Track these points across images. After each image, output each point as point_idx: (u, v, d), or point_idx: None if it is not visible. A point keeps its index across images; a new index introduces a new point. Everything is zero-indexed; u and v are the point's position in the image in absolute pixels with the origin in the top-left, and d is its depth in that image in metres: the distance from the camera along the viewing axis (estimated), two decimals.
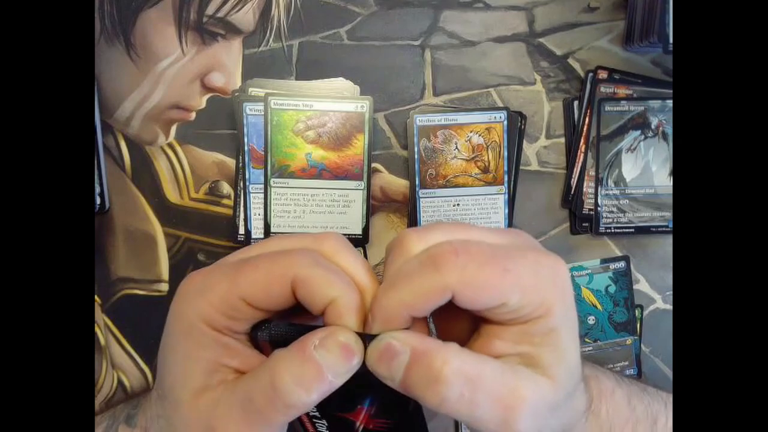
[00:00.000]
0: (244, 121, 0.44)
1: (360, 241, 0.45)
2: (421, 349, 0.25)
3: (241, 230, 0.45)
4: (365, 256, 0.46)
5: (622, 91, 0.46)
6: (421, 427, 0.28)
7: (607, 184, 0.46)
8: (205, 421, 0.26)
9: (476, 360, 0.25)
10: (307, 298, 0.26)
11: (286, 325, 0.27)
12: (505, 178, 0.45)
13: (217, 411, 0.26)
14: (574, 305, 0.28)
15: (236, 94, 0.45)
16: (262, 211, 0.45)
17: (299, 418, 0.28)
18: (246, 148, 0.44)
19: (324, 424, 0.29)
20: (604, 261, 0.47)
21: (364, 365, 0.26)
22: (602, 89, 0.46)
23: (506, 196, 0.45)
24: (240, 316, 0.27)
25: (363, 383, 0.26)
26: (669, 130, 0.46)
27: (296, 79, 0.46)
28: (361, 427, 0.28)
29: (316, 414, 0.29)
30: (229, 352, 0.27)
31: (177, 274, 0.45)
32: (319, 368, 0.24)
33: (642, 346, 0.48)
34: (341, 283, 0.26)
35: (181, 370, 0.27)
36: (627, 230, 0.46)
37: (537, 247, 0.28)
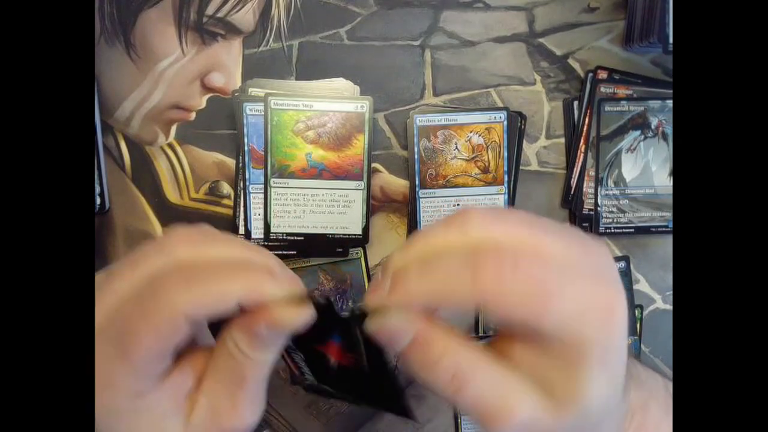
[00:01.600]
0: (244, 121, 0.44)
1: (360, 241, 0.45)
2: (424, 335, 0.25)
3: (241, 230, 0.45)
4: (365, 256, 0.46)
5: (622, 91, 0.46)
6: (387, 373, 0.28)
7: (607, 184, 0.46)
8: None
9: (475, 358, 0.25)
10: (218, 314, 0.25)
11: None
12: (505, 178, 0.45)
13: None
14: (624, 347, 0.25)
15: (236, 94, 0.45)
16: (262, 211, 0.45)
17: (281, 354, 0.28)
18: (246, 148, 0.44)
19: (301, 356, 0.29)
20: None
21: (325, 310, 0.26)
22: (602, 89, 0.46)
23: (506, 196, 0.45)
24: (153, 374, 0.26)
25: (327, 321, 0.26)
26: (669, 130, 0.46)
27: (296, 79, 0.46)
28: (336, 364, 0.28)
29: (293, 347, 0.29)
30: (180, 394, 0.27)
31: None
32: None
33: (642, 346, 0.48)
34: (232, 278, 0.24)
35: None
36: (627, 230, 0.46)
37: (603, 268, 0.25)
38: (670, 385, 0.32)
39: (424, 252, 0.25)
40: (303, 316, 0.25)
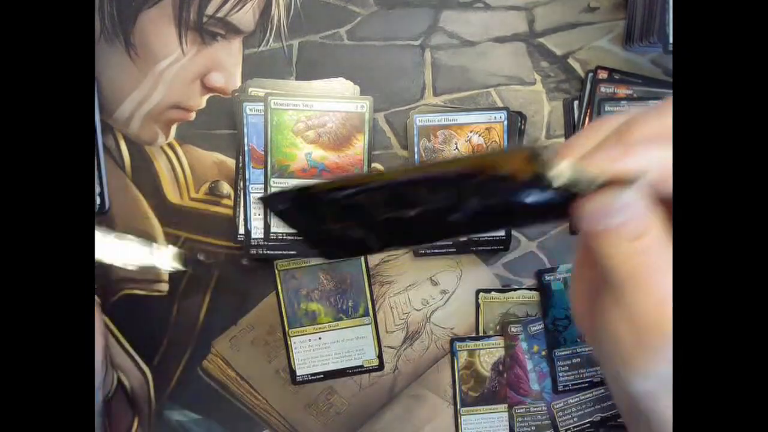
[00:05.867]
0: (244, 121, 0.44)
1: None
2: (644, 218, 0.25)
3: (241, 230, 0.45)
4: (365, 256, 0.46)
5: (622, 91, 0.46)
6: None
7: None
8: None
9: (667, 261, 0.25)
10: None
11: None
12: None
13: None
14: None
15: (236, 94, 0.45)
16: (262, 211, 0.45)
17: None
18: (246, 148, 0.44)
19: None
20: None
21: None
22: (602, 89, 0.46)
23: None
24: None
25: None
26: None
27: (296, 79, 0.46)
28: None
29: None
30: None
31: (177, 275, 0.45)
32: None
33: None
34: None
35: None
36: None
37: None
38: None
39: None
40: None
